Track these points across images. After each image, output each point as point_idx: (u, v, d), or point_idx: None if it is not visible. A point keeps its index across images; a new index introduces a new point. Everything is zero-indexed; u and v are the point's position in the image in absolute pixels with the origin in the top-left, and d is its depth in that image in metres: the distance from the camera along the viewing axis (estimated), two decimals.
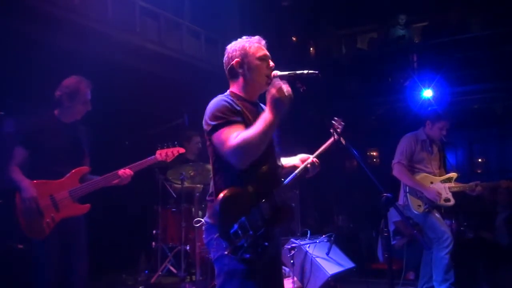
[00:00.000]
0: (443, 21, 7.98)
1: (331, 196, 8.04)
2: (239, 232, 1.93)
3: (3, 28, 4.40)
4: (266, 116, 1.98)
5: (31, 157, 3.11)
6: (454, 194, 4.27)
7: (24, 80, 4.74)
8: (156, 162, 3.43)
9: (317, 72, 2.08)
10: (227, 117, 2.03)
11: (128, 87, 5.50)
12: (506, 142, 8.34)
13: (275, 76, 2.12)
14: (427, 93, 6.75)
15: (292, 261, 4.18)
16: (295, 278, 4.27)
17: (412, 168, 4.37)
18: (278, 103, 1.98)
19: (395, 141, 4.52)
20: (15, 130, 4.85)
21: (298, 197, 5.70)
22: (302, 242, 4.48)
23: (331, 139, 2.32)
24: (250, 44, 2.21)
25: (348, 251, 4.98)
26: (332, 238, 4.72)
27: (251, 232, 1.95)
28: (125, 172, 3.23)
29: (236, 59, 2.19)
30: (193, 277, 4.81)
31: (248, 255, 1.93)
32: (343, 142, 2.20)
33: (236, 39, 2.28)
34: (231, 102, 2.11)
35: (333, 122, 2.34)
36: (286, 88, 2.00)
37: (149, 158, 3.38)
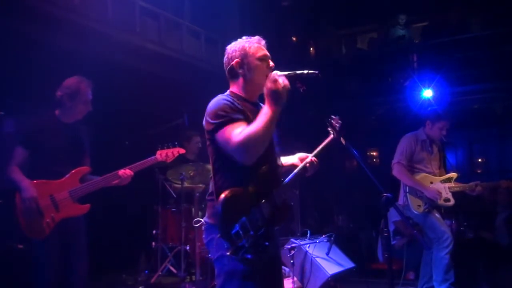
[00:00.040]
0: (443, 21, 7.98)
1: (331, 196, 8.04)
2: (240, 232, 1.93)
3: (3, 28, 4.40)
4: (265, 110, 1.99)
5: (31, 157, 3.11)
6: (454, 194, 4.27)
7: (24, 80, 4.74)
8: (156, 162, 3.43)
9: (317, 72, 2.09)
10: (229, 115, 2.04)
11: (128, 87, 5.50)
12: (506, 142, 8.34)
13: None
14: (427, 93, 6.75)
15: (292, 261, 4.17)
16: (295, 278, 4.27)
17: (412, 168, 4.37)
18: (275, 95, 1.99)
19: (395, 141, 4.52)
20: (15, 130, 4.85)
21: (298, 197, 5.70)
22: (302, 242, 4.48)
23: (329, 138, 2.32)
24: (250, 45, 2.21)
25: (348, 251, 4.98)
26: (332, 238, 4.72)
27: (252, 233, 1.95)
28: (125, 172, 3.23)
29: (236, 60, 2.19)
30: (193, 277, 4.82)
31: (249, 256, 1.94)
32: (343, 141, 2.19)
33: (236, 39, 2.28)
34: (232, 101, 2.11)
35: (331, 120, 2.33)
36: (281, 79, 2.00)
37: (149, 158, 3.38)
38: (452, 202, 4.24)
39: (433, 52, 7.70)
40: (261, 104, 2.26)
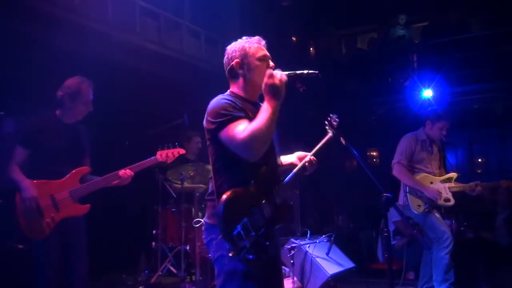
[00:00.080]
0: (443, 21, 7.98)
1: (331, 196, 8.04)
2: (242, 233, 1.93)
3: (3, 28, 4.40)
4: (265, 106, 2.00)
5: (32, 157, 3.11)
6: (454, 194, 4.27)
7: (24, 80, 4.74)
8: (157, 163, 3.43)
9: (317, 72, 2.09)
10: (231, 113, 2.04)
11: (128, 87, 5.50)
12: (506, 142, 8.34)
13: None
14: (427, 93, 6.75)
15: (292, 261, 4.18)
16: (295, 278, 4.27)
17: (412, 168, 4.37)
18: (273, 90, 2.01)
19: (395, 141, 4.52)
20: (15, 130, 4.85)
21: (298, 197, 5.70)
22: (302, 242, 4.48)
23: (328, 136, 2.32)
24: (250, 45, 2.21)
25: (348, 251, 4.98)
26: (332, 238, 4.72)
27: (253, 233, 1.95)
28: (126, 172, 3.23)
29: (236, 60, 2.19)
30: (193, 277, 4.82)
31: (251, 256, 1.94)
32: (343, 141, 2.19)
33: (236, 39, 2.28)
34: (233, 100, 2.12)
35: (329, 118, 2.33)
36: (277, 73, 2.02)
37: (149, 159, 3.38)
38: (452, 202, 4.24)
39: (433, 52, 7.70)
40: (261, 104, 2.26)
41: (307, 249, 4.42)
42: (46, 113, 3.25)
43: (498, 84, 7.24)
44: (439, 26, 7.87)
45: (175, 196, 5.20)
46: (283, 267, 3.55)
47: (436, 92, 6.73)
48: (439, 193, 4.21)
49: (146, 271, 5.16)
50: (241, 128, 1.98)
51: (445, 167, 4.57)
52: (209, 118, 2.10)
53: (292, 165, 2.29)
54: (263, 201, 2.03)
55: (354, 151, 2.13)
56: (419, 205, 4.23)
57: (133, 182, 3.30)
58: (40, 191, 3.00)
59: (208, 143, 2.17)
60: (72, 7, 5.05)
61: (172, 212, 5.11)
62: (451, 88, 6.89)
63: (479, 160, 8.79)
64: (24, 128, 3.35)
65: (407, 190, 4.29)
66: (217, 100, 2.12)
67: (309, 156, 2.28)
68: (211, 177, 2.18)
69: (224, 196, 1.95)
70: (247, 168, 2.03)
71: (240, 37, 2.27)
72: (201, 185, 5.10)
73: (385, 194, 2.04)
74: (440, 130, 4.36)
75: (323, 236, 4.84)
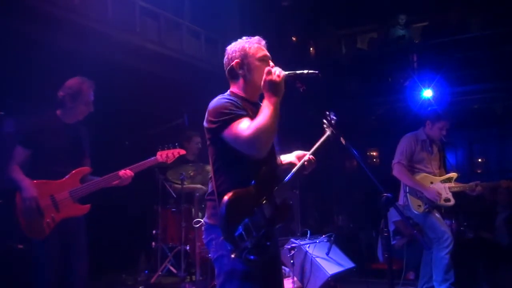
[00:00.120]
0: (443, 21, 7.98)
1: (331, 196, 8.05)
2: (243, 234, 1.93)
3: (3, 28, 4.40)
4: (266, 103, 2.02)
5: (32, 157, 3.11)
6: (454, 194, 4.27)
7: (24, 80, 4.74)
8: (157, 163, 3.43)
9: (317, 72, 2.09)
10: (234, 111, 2.04)
11: (128, 87, 5.50)
12: (506, 142, 8.34)
13: None
14: (427, 93, 6.75)
15: (292, 261, 4.18)
16: (295, 278, 4.27)
17: (412, 168, 4.37)
18: (272, 86, 2.02)
19: (395, 141, 4.52)
20: (16, 130, 4.85)
21: (298, 197, 5.70)
22: (302, 242, 4.48)
23: (326, 134, 2.32)
24: (250, 45, 2.21)
25: (348, 251, 4.98)
26: (332, 238, 4.72)
27: (254, 234, 1.95)
28: (126, 173, 3.23)
29: (236, 60, 2.19)
30: (193, 277, 4.81)
31: (252, 257, 1.93)
32: (343, 141, 2.19)
33: (236, 39, 2.28)
34: (234, 99, 2.12)
35: (326, 116, 2.32)
36: (276, 69, 2.04)
37: (149, 159, 3.39)
38: (452, 202, 4.24)
39: (433, 52, 7.70)
40: (261, 104, 2.26)
41: (307, 249, 4.42)
42: (47, 113, 3.25)
43: (498, 84, 7.24)
44: (439, 26, 7.87)
45: (175, 196, 5.20)
46: (283, 267, 3.55)
47: (436, 92, 6.73)
48: (439, 194, 4.21)
49: (146, 271, 5.16)
50: (245, 126, 1.98)
51: (445, 167, 4.57)
52: (210, 118, 2.09)
53: (291, 165, 2.28)
54: (264, 201, 2.03)
55: (354, 151, 2.13)
56: (419, 205, 4.23)
57: (133, 182, 3.31)
58: (40, 191, 3.00)
59: (208, 143, 2.17)
60: (72, 7, 5.05)
61: (172, 212, 5.11)
62: (451, 88, 6.89)
63: (479, 160, 8.80)
64: (24, 128, 3.35)
65: (407, 190, 4.29)
66: (218, 100, 2.12)
67: (308, 155, 2.28)
68: (210, 177, 2.18)
69: (226, 198, 1.94)
70: (247, 168, 2.03)
71: (240, 37, 2.27)
72: (200, 185, 5.10)
73: (385, 194, 2.04)
74: (440, 130, 4.36)
75: (323, 236, 4.84)
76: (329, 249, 4.61)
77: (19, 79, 4.71)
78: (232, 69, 2.21)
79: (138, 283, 4.97)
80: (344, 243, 5.43)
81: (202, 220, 2.20)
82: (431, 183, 4.30)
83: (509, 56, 7.13)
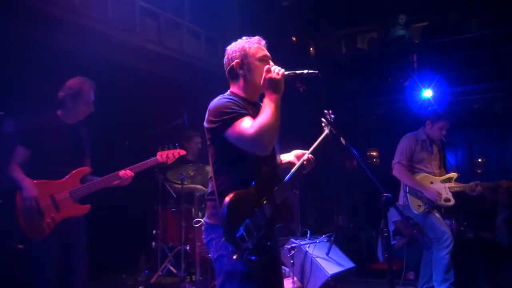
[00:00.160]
0: (443, 21, 7.98)
1: (331, 196, 8.04)
2: (245, 235, 1.93)
3: (3, 28, 4.40)
4: (267, 101, 2.03)
5: (32, 157, 3.11)
6: (454, 194, 4.27)
7: (24, 80, 4.74)
8: (157, 163, 3.43)
9: (317, 72, 2.09)
10: (236, 110, 2.04)
11: (128, 87, 5.50)
12: (506, 142, 8.34)
13: None
14: (427, 93, 6.75)
15: (292, 261, 4.18)
16: (295, 278, 4.27)
17: (412, 168, 4.37)
18: (272, 83, 2.04)
19: (395, 141, 4.52)
20: (16, 130, 4.85)
21: (298, 197, 5.69)
22: (302, 242, 4.49)
23: (324, 133, 2.32)
24: (250, 45, 2.21)
25: (348, 251, 4.98)
26: (332, 238, 4.72)
27: (255, 234, 1.95)
28: (126, 173, 3.23)
29: (236, 60, 2.19)
30: (193, 277, 4.82)
31: (254, 257, 1.94)
32: (343, 141, 2.19)
33: (236, 39, 2.28)
34: (235, 99, 2.13)
35: (324, 114, 2.32)
36: (275, 67, 2.06)
37: (150, 159, 3.39)
38: (452, 202, 4.24)
39: (433, 52, 7.70)
40: (262, 104, 2.26)
41: (307, 249, 4.42)
42: (47, 113, 3.25)
43: (498, 84, 7.24)
44: (439, 26, 7.87)
45: (175, 196, 5.20)
46: (283, 267, 3.55)
47: (436, 92, 6.73)
48: (439, 194, 4.21)
49: (146, 271, 5.16)
50: (248, 125, 1.99)
51: (445, 167, 4.57)
52: (211, 118, 2.09)
53: (290, 164, 2.28)
54: (264, 202, 2.03)
55: (354, 151, 2.13)
56: (419, 205, 4.24)
57: (133, 182, 3.31)
58: (40, 191, 3.00)
59: (208, 143, 2.17)
60: (72, 7, 5.05)
61: (172, 212, 5.11)
62: (451, 88, 6.89)
63: (479, 160, 8.79)
64: (25, 128, 3.35)
65: (407, 190, 4.29)
66: (219, 100, 2.12)
67: (307, 154, 2.28)
68: (210, 177, 2.18)
69: (227, 199, 1.94)
70: (248, 167, 2.03)
71: (240, 37, 2.27)
72: (200, 186, 5.10)
73: (385, 194, 2.04)
74: (440, 130, 4.36)
75: (323, 236, 4.85)
76: (329, 249, 4.61)
77: (19, 79, 4.71)
78: (232, 69, 2.21)
79: (138, 283, 4.97)
80: (344, 243, 5.43)
81: (202, 220, 2.20)
82: (431, 183, 4.30)
83: (509, 56, 7.13)
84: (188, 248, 4.84)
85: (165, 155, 3.45)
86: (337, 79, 7.95)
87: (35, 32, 4.76)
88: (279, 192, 2.09)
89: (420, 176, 4.33)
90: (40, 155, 3.10)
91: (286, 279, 4.15)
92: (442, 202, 4.21)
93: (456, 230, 5.25)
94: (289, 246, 4.27)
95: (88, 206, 3.17)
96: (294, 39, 9.35)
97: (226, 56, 2.25)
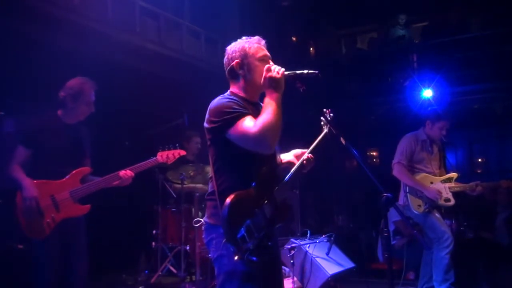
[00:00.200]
0: (443, 21, 7.98)
1: (331, 196, 8.04)
2: (246, 235, 1.92)
3: (3, 28, 4.40)
4: (268, 100, 2.03)
5: (33, 157, 3.11)
6: (454, 194, 4.27)
7: (24, 80, 4.74)
8: (157, 164, 3.43)
9: (317, 72, 2.09)
10: (238, 110, 2.04)
11: (128, 87, 5.50)
12: (506, 142, 8.34)
13: None
14: (427, 93, 6.75)
15: (292, 261, 4.18)
16: (295, 278, 4.27)
17: (412, 168, 4.37)
18: (272, 82, 2.04)
19: (395, 141, 4.52)
20: (16, 130, 4.85)
21: (298, 197, 5.70)
22: (302, 242, 4.48)
23: (324, 132, 2.32)
24: (250, 45, 2.21)
25: (348, 251, 4.98)
26: (332, 238, 4.72)
27: (256, 235, 1.95)
28: (126, 173, 3.23)
29: (236, 60, 2.19)
30: (193, 277, 4.82)
31: (255, 258, 1.93)
32: (343, 141, 2.19)
33: (236, 39, 2.28)
34: (235, 98, 2.13)
35: (323, 113, 2.32)
36: (275, 66, 2.07)
37: (150, 160, 3.38)
38: (452, 202, 4.24)
39: (433, 52, 7.70)
40: (262, 104, 2.26)
41: (307, 249, 4.42)
42: (47, 113, 3.25)
43: (498, 84, 7.24)
44: (439, 26, 7.87)
45: (175, 196, 5.20)
46: (283, 267, 3.55)
47: (436, 92, 6.73)
48: (439, 193, 4.21)
49: (146, 271, 5.16)
50: (251, 124, 1.99)
51: (445, 167, 4.57)
52: (211, 118, 2.09)
53: (290, 164, 2.28)
54: (265, 202, 2.03)
55: (354, 151, 2.13)
56: (419, 205, 4.24)
57: (133, 182, 3.31)
58: (40, 191, 3.00)
59: (208, 143, 2.16)
60: (72, 7, 5.05)
61: (172, 212, 5.11)
62: (451, 88, 6.89)
63: (479, 160, 8.79)
64: (25, 128, 3.35)
65: (407, 190, 4.29)
66: (219, 100, 2.12)
67: (306, 153, 2.28)
68: (211, 177, 2.18)
69: (228, 200, 1.94)
70: (248, 167, 2.03)
71: (240, 37, 2.27)
72: (200, 185, 5.10)
73: (385, 194, 2.04)
74: (440, 130, 4.36)
75: (323, 236, 4.84)
76: (329, 249, 4.61)
77: (19, 79, 4.71)
78: (232, 69, 2.21)
79: (138, 283, 4.97)
80: (344, 243, 5.43)
81: (202, 220, 2.20)
82: (431, 183, 4.31)
83: (509, 56, 7.13)
84: (188, 248, 4.84)
85: (165, 156, 3.45)
86: (337, 79, 7.95)
87: (35, 32, 4.76)
88: (279, 192, 2.09)
89: (420, 176, 4.33)
90: (41, 155, 3.10)
91: (286, 279, 4.15)
92: (442, 202, 4.21)
93: (456, 230, 5.24)
94: (289, 246, 4.27)
95: (88, 206, 3.17)
96: (294, 39, 9.35)
97: (226, 56, 2.25)
